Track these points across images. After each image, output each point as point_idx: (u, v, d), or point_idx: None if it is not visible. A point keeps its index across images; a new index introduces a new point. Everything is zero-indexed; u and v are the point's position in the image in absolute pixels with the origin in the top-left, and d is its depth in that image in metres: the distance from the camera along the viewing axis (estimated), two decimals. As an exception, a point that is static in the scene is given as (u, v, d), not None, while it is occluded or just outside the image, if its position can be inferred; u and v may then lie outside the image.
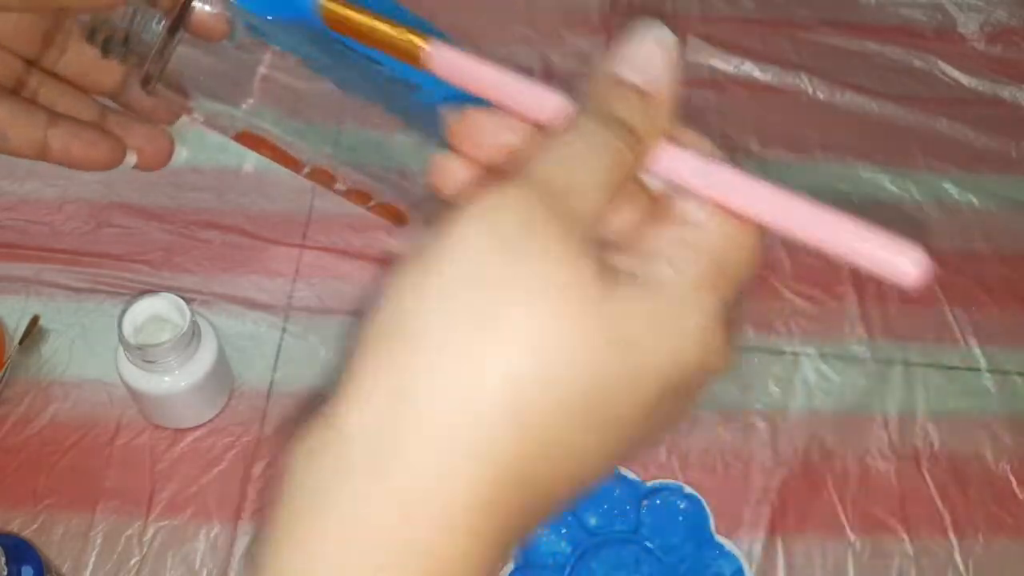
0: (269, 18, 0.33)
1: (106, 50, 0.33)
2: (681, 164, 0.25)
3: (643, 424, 0.24)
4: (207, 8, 0.32)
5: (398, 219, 0.44)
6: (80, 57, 0.36)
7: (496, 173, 0.24)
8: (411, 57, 0.29)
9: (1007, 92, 0.73)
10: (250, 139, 0.37)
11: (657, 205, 0.26)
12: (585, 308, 0.22)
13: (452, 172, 0.27)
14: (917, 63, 0.74)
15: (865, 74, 0.73)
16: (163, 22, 0.32)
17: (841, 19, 0.76)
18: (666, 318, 0.23)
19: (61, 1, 0.31)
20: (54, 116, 0.34)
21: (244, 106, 0.36)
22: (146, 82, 0.33)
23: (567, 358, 0.22)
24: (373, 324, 0.23)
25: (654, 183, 0.26)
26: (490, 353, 0.22)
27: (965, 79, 0.73)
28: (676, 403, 0.24)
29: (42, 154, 0.34)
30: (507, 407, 0.22)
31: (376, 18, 0.30)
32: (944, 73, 0.74)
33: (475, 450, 0.22)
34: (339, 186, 0.39)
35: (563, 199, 0.23)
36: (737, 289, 0.25)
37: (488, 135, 0.27)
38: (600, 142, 0.24)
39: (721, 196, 0.25)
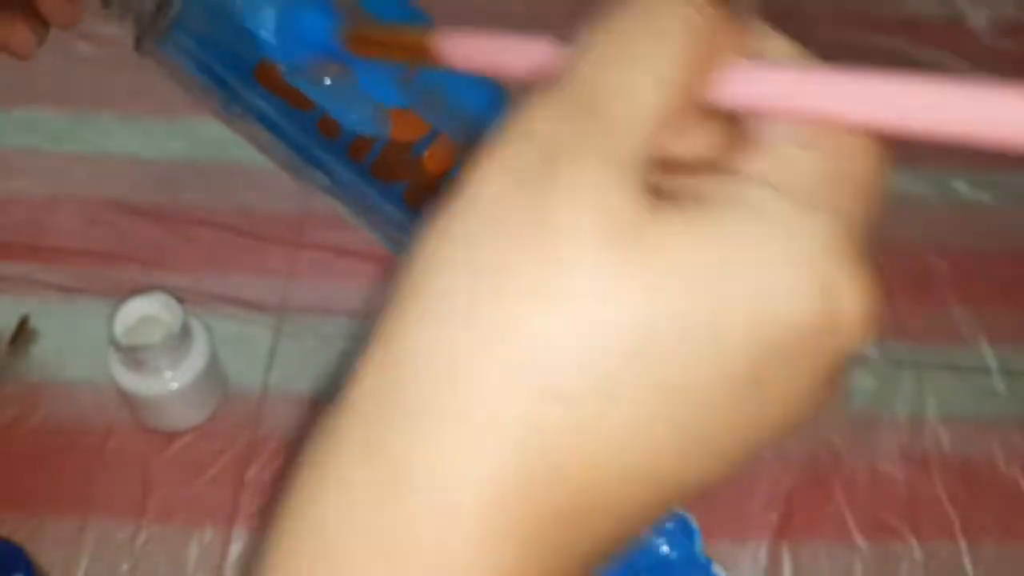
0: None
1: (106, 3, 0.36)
2: (765, 84, 0.19)
3: (731, 407, 0.18)
4: None
5: None
6: None
7: (530, 88, 0.19)
8: (425, 53, 0.29)
9: (1017, 87, 0.72)
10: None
11: (736, 132, 0.20)
12: (620, 245, 0.17)
13: None
14: (925, 57, 0.73)
15: (872, 68, 0.72)
16: None
17: (848, 13, 0.75)
18: (754, 248, 0.17)
19: None
20: None
21: None
22: (138, 45, 0.37)
23: (594, 315, 0.17)
24: (397, 287, 0.19)
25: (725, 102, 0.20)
26: (507, 314, 0.17)
27: (974, 74, 0.73)
28: (788, 379, 0.18)
29: None
30: (530, 386, 0.17)
31: (395, 29, 0.32)
32: (952, 67, 0.73)
33: (498, 431, 0.17)
34: None
35: (605, 107, 0.18)
36: (867, 208, 0.19)
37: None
38: (669, 11, 0.19)
39: (828, 111, 0.19)
